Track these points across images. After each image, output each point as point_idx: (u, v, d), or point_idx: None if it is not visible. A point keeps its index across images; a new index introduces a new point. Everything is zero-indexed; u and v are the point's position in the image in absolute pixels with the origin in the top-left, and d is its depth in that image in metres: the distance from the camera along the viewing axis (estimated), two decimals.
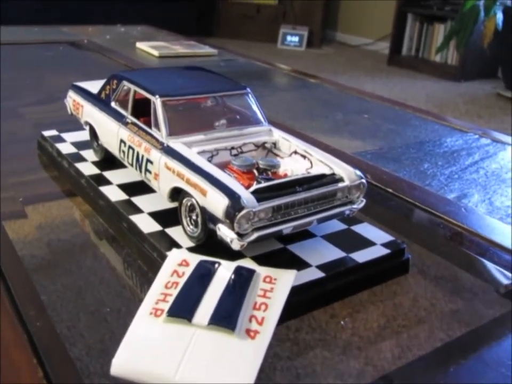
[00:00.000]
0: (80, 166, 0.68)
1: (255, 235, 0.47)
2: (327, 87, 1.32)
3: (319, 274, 0.49)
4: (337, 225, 0.57)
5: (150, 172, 0.56)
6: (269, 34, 4.67)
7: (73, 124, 0.77)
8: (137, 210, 0.58)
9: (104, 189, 0.62)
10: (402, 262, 0.55)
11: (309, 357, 0.44)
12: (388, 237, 0.57)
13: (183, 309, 0.42)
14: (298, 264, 0.51)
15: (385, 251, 0.54)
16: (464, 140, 0.98)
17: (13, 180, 0.73)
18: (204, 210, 0.49)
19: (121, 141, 0.61)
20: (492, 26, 3.29)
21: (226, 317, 0.42)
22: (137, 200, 0.60)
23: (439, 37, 4.00)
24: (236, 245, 0.47)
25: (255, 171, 0.53)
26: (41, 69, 1.32)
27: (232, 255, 0.50)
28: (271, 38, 4.63)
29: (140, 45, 1.57)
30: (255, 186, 0.49)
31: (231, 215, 0.46)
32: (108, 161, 0.69)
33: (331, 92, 1.29)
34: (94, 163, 0.69)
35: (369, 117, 1.09)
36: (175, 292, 0.45)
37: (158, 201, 0.59)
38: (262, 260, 0.50)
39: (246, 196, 0.46)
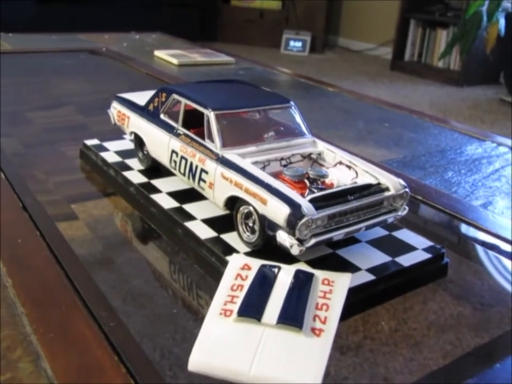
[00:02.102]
0: (127, 174, 0.72)
1: (313, 241, 0.51)
2: (344, 96, 1.36)
3: (370, 277, 0.53)
4: (379, 231, 0.61)
5: (204, 181, 0.60)
6: (272, 39, 4.72)
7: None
8: (191, 217, 0.62)
9: (155, 197, 0.66)
10: (442, 265, 0.59)
11: None
12: (427, 242, 0.60)
13: (251, 309, 0.46)
14: (349, 267, 0.54)
15: (427, 255, 0.58)
16: (483, 148, 1.01)
17: (54, 179, 0.78)
18: (263, 218, 0.52)
19: (173, 151, 0.65)
20: (495, 32, 3.34)
21: (293, 316, 0.45)
22: (189, 207, 0.64)
23: (442, 43, 4.05)
24: (295, 250, 0.50)
25: (306, 181, 0.57)
26: (70, 76, 1.35)
27: (287, 259, 0.53)
28: (274, 43, 4.68)
29: (158, 53, 1.61)
30: (311, 195, 0.52)
31: (292, 223, 0.49)
32: (153, 170, 0.72)
33: (348, 100, 1.33)
34: (141, 172, 0.73)
35: (390, 125, 1.12)
36: (241, 294, 0.48)
37: (209, 208, 0.63)
38: (315, 263, 0.54)
39: (305, 204, 0.50)
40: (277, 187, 0.52)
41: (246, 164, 0.57)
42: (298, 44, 4.64)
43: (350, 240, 0.58)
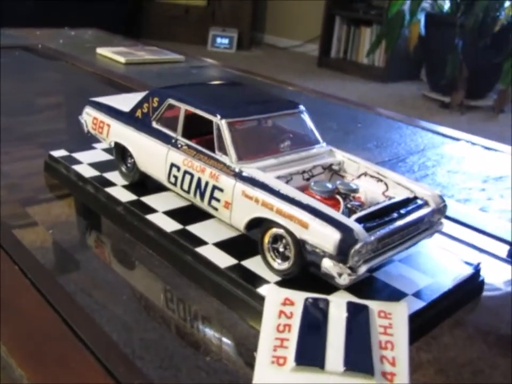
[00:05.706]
0: (111, 191, 0.62)
1: (363, 268, 0.45)
2: (306, 95, 1.31)
3: (420, 303, 0.48)
4: None
5: (217, 200, 0.52)
6: (198, 36, 4.61)
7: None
8: (200, 241, 0.54)
9: (151, 218, 0.57)
10: (479, 283, 0.55)
11: None
12: (458, 258, 0.56)
13: (310, 355, 0.39)
14: (394, 293, 0.49)
15: (466, 274, 0.53)
16: (460, 148, 1.00)
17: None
18: (302, 243, 0.46)
19: (173, 165, 0.56)
20: (416, 31, 3.45)
21: (361, 360, 0.39)
22: (194, 229, 0.56)
23: (366, 40, 4.12)
24: (345, 280, 0.44)
25: (337, 196, 0.50)
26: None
27: (323, 287, 0.47)
28: (201, 40, 4.57)
29: (101, 50, 1.48)
30: (356, 215, 0.46)
31: (344, 250, 0.43)
32: (139, 185, 0.64)
33: (313, 100, 1.28)
34: (126, 187, 0.63)
35: (362, 125, 1.09)
36: (291, 336, 0.41)
37: (217, 229, 0.55)
38: (356, 290, 0.48)
39: (356, 228, 0.43)
40: (318, 207, 0.45)
41: (272, 180, 0.49)
42: (225, 41, 4.57)
43: None
